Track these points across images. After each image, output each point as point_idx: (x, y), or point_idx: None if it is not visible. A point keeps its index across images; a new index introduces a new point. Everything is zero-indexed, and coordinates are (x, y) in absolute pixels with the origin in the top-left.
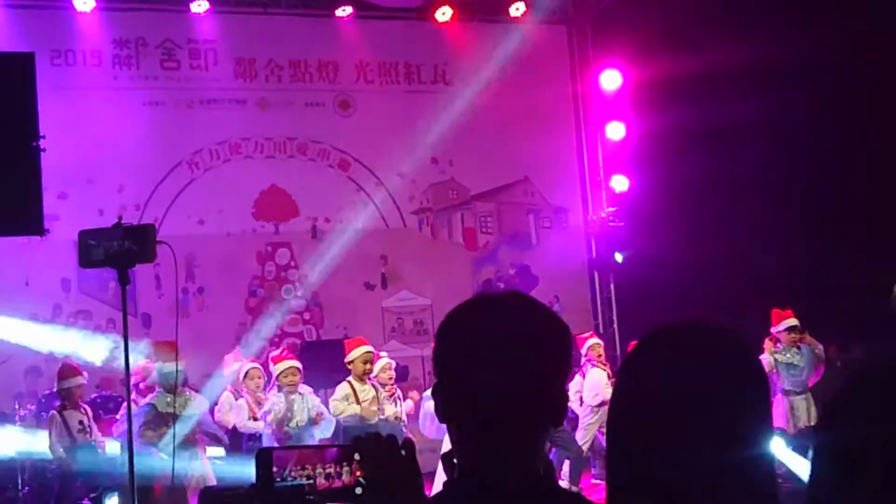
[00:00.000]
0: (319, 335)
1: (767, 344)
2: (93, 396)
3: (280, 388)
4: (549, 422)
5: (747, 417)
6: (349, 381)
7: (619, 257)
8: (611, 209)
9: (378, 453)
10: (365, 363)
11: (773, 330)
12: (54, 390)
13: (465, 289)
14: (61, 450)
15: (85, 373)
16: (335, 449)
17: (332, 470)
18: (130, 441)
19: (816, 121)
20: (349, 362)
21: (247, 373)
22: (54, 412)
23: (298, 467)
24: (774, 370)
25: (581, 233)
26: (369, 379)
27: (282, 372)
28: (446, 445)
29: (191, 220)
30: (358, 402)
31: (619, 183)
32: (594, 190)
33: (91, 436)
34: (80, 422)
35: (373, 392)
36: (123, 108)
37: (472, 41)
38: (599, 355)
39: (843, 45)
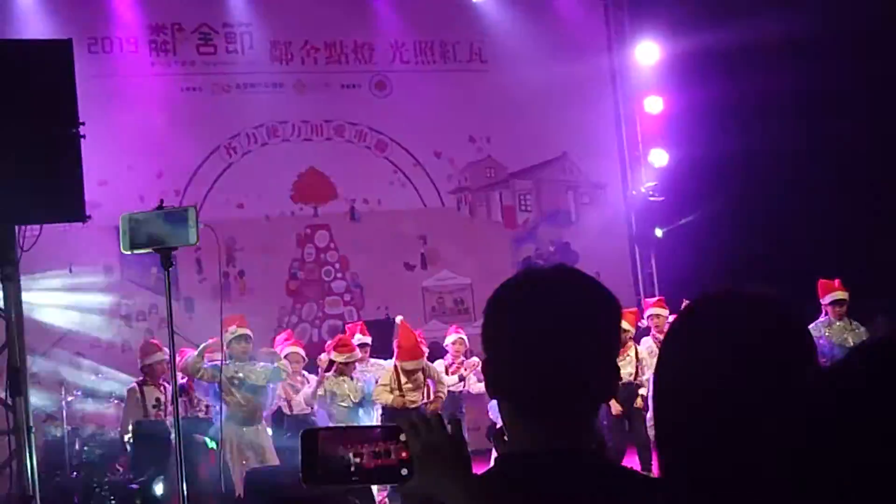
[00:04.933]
0: (360, 316)
1: (826, 318)
2: None
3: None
4: (599, 396)
5: (791, 381)
6: (395, 367)
7: (658, 232)
8: (650, 184)
9: (423, 433)
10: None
11: (821, 302)
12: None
13: (505, 267)
14: (130, 424)
15: (166, 349)
16: (381, 429)
17: (379, 448)
18: (178, 423)
19: (861, 89)
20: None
21: (286, 356)
22: (134, 385)
23: (347, 447)
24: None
25: (621, 208)
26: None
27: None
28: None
29: (230, 205)
30: (401, 390)
31: (659, 157)
32: (633, 165)
33: (165, 415)
34: (157, 399)
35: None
36: (161, 94)
37: (507, 17)
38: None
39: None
